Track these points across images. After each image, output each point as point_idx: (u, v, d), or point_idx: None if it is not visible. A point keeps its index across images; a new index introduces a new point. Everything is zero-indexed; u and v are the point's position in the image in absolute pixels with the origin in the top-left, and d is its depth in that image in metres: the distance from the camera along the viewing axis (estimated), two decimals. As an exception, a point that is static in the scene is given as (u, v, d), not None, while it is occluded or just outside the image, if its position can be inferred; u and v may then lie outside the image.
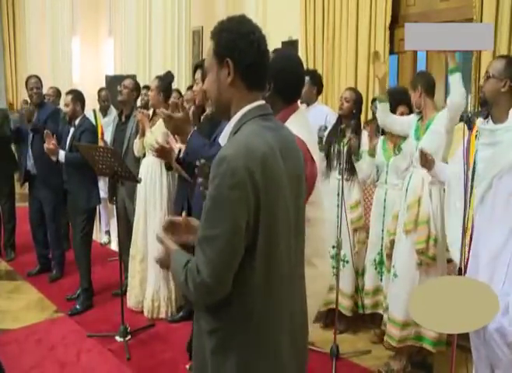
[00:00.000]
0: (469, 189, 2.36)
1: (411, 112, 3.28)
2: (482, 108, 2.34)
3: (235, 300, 1.33)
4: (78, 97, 3.99)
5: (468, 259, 2.38)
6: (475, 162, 2.37)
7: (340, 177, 3.43)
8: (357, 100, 3.50)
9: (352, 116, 3.48)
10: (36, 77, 4.56)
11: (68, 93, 4.08)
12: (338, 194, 3.41)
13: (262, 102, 1.44)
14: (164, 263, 1.44)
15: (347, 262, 3.45)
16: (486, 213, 2.31)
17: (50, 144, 3.78)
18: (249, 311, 1.34)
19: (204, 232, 1.29)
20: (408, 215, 2.91)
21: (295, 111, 1.92)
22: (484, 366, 2.41)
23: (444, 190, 2.81)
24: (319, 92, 4.12)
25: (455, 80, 2.63)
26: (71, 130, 4.01)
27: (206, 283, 1.27)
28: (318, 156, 1.84)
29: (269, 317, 1.37)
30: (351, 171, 3.44)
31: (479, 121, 2.36)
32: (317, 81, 4.05)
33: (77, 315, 3.84)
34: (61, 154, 3.84)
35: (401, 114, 3.30)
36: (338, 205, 3.41)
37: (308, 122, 2.10)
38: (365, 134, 3.50)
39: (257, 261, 1.32)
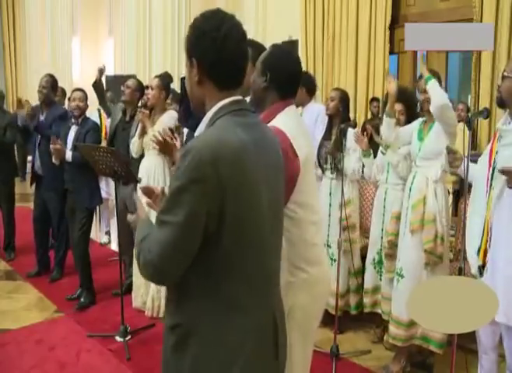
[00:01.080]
0: (487, 191, 2.35)
1: (408, 110, 3.25)
2: (500, 108, 2.31)
3: (199, 295, 1.31)
4: (86, 97, 4.07)
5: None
6: (494, 163, 2.33)
7: (331, 176, 3.48)
8: (342, 98, 3.48)
9: (340, 114, 3.46)
10: (50, 76, 4.50)
11: (79, 90, 4.11)
12: (330, 193, 3.46)
13: (236, 97, 1.40)
14: (133, 225, 1.48)
15: (335, 260, 3.41)
16: (504, 208, 2.27)
17: (56, 144, 3.81)
18: (211, 308, 1.31)
19: (161, 216, 1.29)
20: (414, 214, 2.89)
21: (287, 107, 1.89)
22: (490, 364, 2.44)
23: (449, 192, 2.78)
24: (311, 92, 4.07)
25: (433, 86, 2.67)
26: (74, 127, 4.01)
27: (154, 262, 1.26)
28: (305, 153, 1.79)
29: (232, 317, 1.32)
30: (339, 170, 3.42)
31: (500, 123, 2.33)
32: (307, 82, 3.99)
33: (83, 309, 3.89)
34: (68, 154, 3.87)
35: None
36: (330, 204, 3.45)
37: (299, 118, 2.09)
38: (351, 132, 3.44)
39: (221, 254, 1.29)
